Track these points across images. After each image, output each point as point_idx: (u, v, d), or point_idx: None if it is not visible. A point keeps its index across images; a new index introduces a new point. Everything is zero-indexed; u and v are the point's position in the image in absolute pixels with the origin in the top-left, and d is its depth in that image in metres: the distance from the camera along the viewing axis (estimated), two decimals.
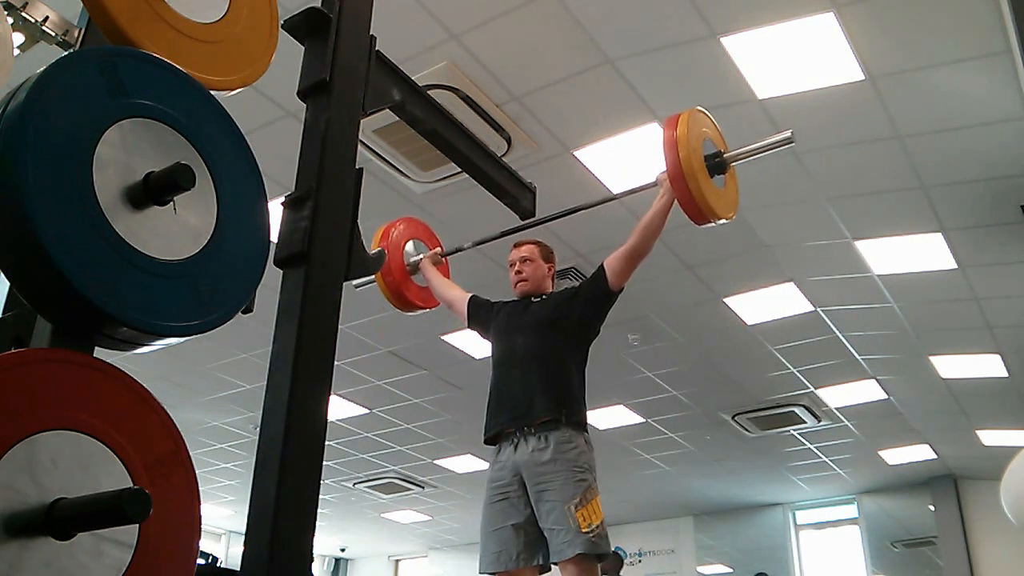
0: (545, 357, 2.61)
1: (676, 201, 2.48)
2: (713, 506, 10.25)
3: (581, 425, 2.55)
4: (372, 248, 3.00)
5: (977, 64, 3.46)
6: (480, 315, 2.92)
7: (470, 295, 2.99)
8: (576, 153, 4.21)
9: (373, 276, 3.03)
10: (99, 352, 1.10)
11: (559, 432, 2.47)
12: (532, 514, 2.46)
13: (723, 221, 2.50)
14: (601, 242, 4.89)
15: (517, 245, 2.94)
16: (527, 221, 2.59)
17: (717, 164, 2.50)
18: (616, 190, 4.44)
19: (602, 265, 2.69)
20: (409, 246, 3.14)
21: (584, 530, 2.31)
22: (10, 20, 1.94)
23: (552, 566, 2.47)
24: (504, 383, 2.67)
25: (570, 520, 2.33)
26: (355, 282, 3.18)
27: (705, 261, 5.10)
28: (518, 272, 2.86)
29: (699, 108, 2.60)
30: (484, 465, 8.30)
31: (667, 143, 2.43)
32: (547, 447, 2.45)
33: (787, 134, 2.47)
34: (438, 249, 3.15)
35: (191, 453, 1.11)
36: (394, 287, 3.04)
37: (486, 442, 2.68)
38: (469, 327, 2.99)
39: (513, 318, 2.79)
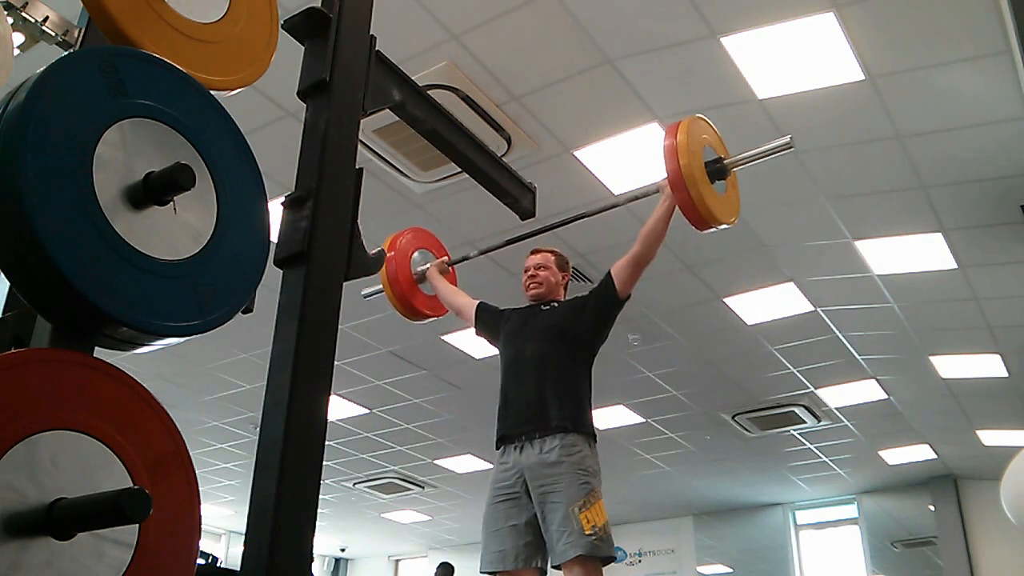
0: (555, 365, 2.61)
1: (677, 207, 2.50)
2: (713, 506, 10.25)
3: (588, 432, 2.55)
4: None
5: (977, 64, 3.46)
6: (489, 321, 2.92)
7: (478, 302, 2.99)
8: (576, 153, 4.21)
9: (381, 285, 3.09)
10: (99, 352, 1.10)
11: (566, 437, 2.48)
12: (534, 517, 2.47)
13: (724, 226, 2.54)
14: (601, 242, 4.90)
15: (534, 252, 2.95)
16: (534, 228, 2.61)
17: (717, 170, 2.53)
18: (616, 190, 4.46)
19: (609, 273, 2.71)
20: (416, 255, 3.17)
21: (587, 532, 2.31)
22: (10, 20, 1.94)
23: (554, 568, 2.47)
24: (513, 389, 2.67)
25: (573, 522, 2.33)
26: (364, 291, 3.21)
27: (705, 261, 5.10)
28: (532, 276, 2.87)
29: (699, 115, 2.63)
30: (484, 465, 8.31)
31: (667, 150, 2.47)
32: (553, 451, 2.46)
33: (786, 139, 2.49)
34: (445, 258, 3.17)
35: (191, 453, 1.11)
36: (402, 296, 3.07)
37: (496, 444, 2.68)
38: (477, 334, 3.00)
39: (523, 325, 2.79)
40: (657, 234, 2.62)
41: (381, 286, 3.12)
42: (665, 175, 2.49)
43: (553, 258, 2.92)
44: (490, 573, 2.50)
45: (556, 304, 2.83)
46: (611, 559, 2.38)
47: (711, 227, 2.52)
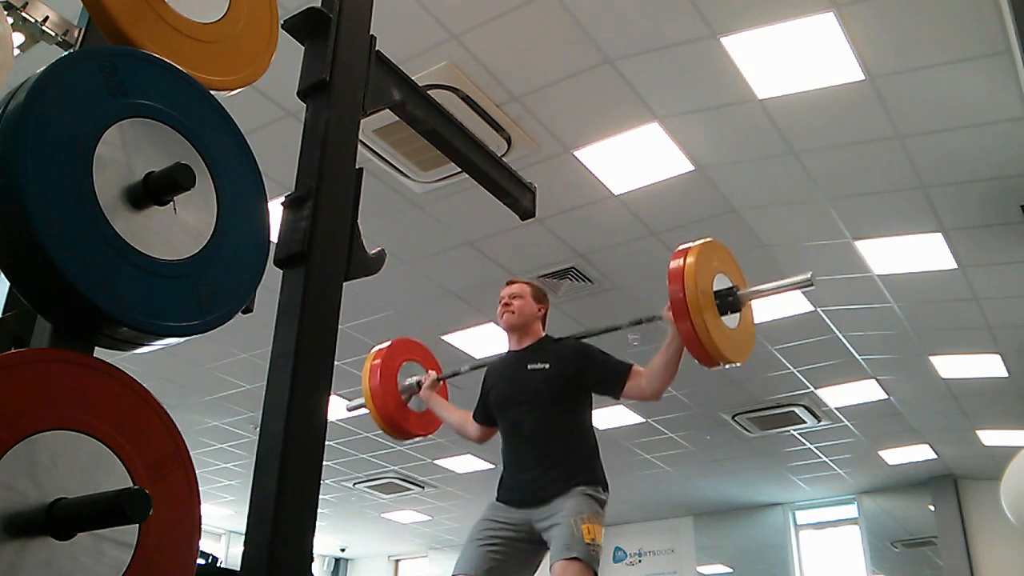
0: (557, 433, 2.54)
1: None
2: (713, 506, 10.24)
3: (599, 482, 2.52)
4: (364, 378, 2.91)
5: (977, 64, 3.45)
6: (487, 414, 2.79)
7: (472, 412, 2.86)
8: (576, 153, 4.21)
9: (364, 400, 2.92)
10: (99, 352, 1.10)
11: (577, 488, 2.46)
12: (520, 553, 2.48)
13: (732, 365, 2.30)
14: (601, 242, 4.90)
15: (510, 282, 2.83)
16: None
17: (729, 301, 2.29)
18: (616, 190, 4.46)
19: (628, 372, 2.59)
20: (401, 375, 2.98)
21: (587, 541, 2.31)
22: (10, 20, 1.94)
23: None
24: (515, 460, 2.61)
25: (574, 529, 2.33)
26: (348, 405, 3.04)
27: None
28: (506, 306, 2.74)
29: (713, 240, 2.42)
30: (484, 465, 8.31)
31: (672, 273, 2.23)
32: (562, 496, 2.45)
33: (807, 276, 2.33)
34: (432, 373, 2.98)
35: (191, 453, 1.11)
36: (388, 417, 2.88)
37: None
38: (482, 440, 2.87)
39: (509, 387, 2.67)
40: (668, 375, 2.50)
41: (363, 400, 2.93)
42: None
43: (530, 289, 2.79)
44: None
45: (545, 364, 2.65)
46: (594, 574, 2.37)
47: (716, 364, 2.28)
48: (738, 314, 2.34)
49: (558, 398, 2.58)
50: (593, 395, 2.68)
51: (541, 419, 2.56)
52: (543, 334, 2.79)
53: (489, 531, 2.51)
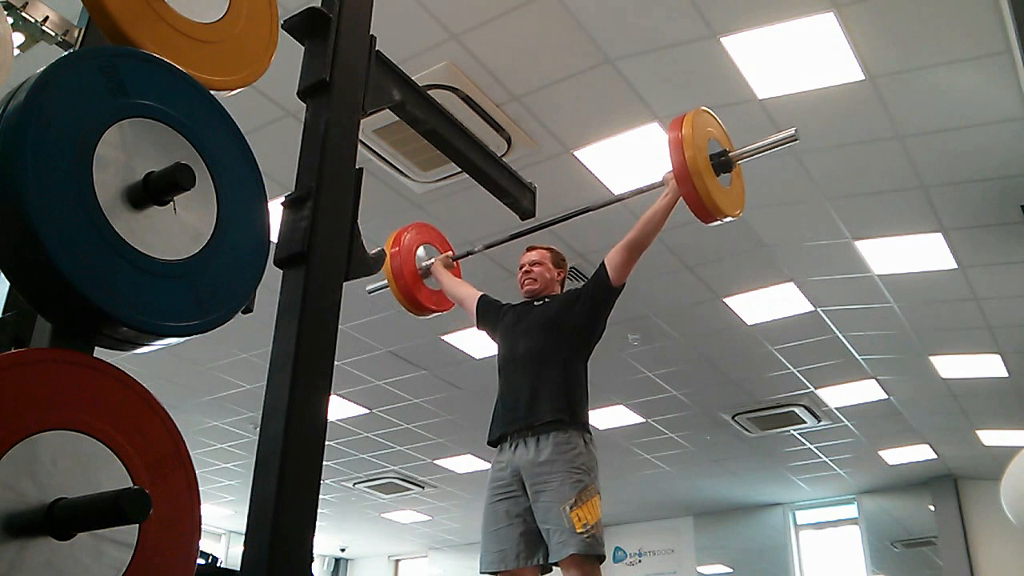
0: (547, 360, 2.61)
1: (683, 199, 2.50)
2: (713, 506, 10.25)
3: (582, 426, 2.54)
4: (387, 257, 3.03)
5: (977, 64, 3.45)
6: (489, 315, 2.93)
7: (480, 294, 3.00)
8: (576, 153, 4.21)
9: (386, 280, 3.10)
10: (99, 352, 1.10)
11: (559, 434, 2.47)
12: (532, 513, 2.46)
13: (730, 219, 2.53)
14: (601, 242, 4.88)
15: (529, 248, 2.95)
16: (536, 223, 2.60)
17: (722, 163, 2.53)
18: (616, 190, 4.46)
19: (603, 263, 2.71)
20: (420, 251, 3.18)
21: (579, 531, 2.31)
22: (10, 20, 1.94)
23: (553, 566, 2.47)
24: (507, 386, 2.68)
25: (564, 520, 2.33)
26: (368, 287, 3.20)
27: (705, 261, 5.10)
28: (527, 273, 2.87)
29: (704, 108, 2.61)
30: (484, 465, 8.30)
31: (672, 143, 2.46)
32: (546, 447, 2.46)
33: (791, 132, 2.49)
34: (449, 252, 3.18)
35: (191, 453, 1.11)
36: (406, 291, 3.08)
37: (489, 443, 2.68)
38: (478, 327, 3.00)
39: (518, 320, 2.79)
40: (656, 223, 2.63)
41: (385, 281, 3.13)
42: (670, 168, 2.49)
43: (549, 255, 2.92)
44: (491, 573, 2.50)
45: (549, 299, 2.83)
46: (601, 558, 2.37)
47: (716, 220, 2.51)
48: (730, 174, 2.59)
49: (559, 328, 2.67)
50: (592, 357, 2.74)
51: (538, 345, 2.65)
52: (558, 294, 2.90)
53: (501, 524, 2.50)
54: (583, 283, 2.80)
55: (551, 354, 2.62)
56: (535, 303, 2.82)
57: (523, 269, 2.89)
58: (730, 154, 2.56)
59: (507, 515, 2.49)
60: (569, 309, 2.71)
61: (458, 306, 3.09)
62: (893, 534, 9.51)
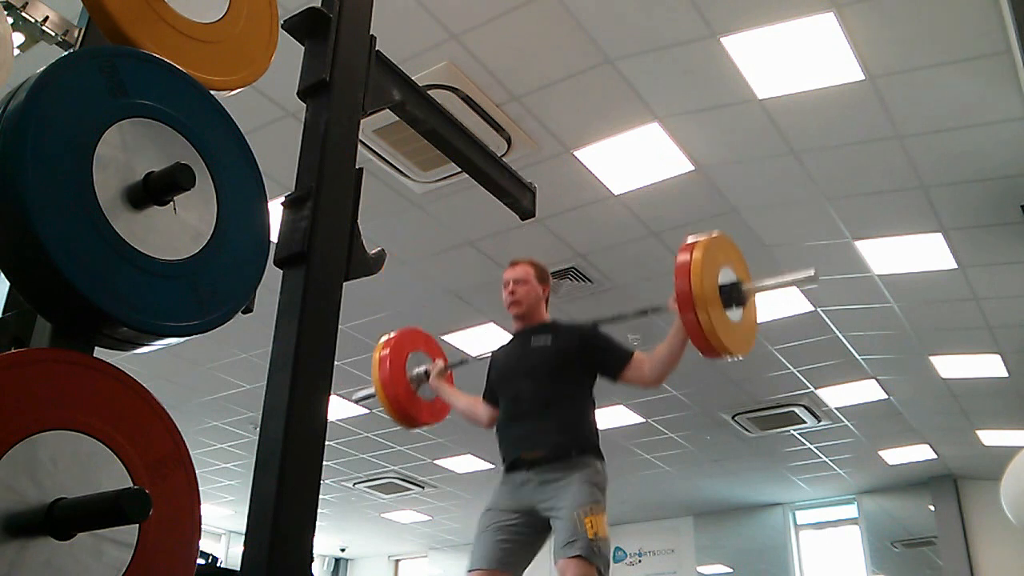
0: (554, 403, 2.56)
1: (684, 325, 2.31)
2: (713, 506, 10.24)
3: (596, 451, 2.53)
4: (374, 369, 2.94)
5: (977, 64, 3.45)
6: (493, 390, 2.81)
7: (481, 397, 2.86)
8: (576, 153, 4.21)
9: (374, 392, 2.95)
10: (99, 352, 1.10)
11: (576, 459, 2.46)
12: (527, 536, 2.48)
13: (735, 358, 2.34)
14: (601, 242, 4.90)
15: (512, 264, 2.82)
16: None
17: (734, 295, 2.32)
18: (616, 190, 4.46)
19: (630, 357, 2.58)
20: (410, 359, 3.01)
21: (590, 537, 2.30)
22: (10, 20, 1.94)
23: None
24: (513, 427, 2.62)
25: (578, 524, 2.32)
26: (355, 396, 3.08)
27: None
28: (511, 293, 2.74)
29: (721, 233, 2.43)
30: (484, 465, 8.30)
31: (679, 267, 2.26)
32: (558, 470, 2.45)
33: (811, 272, 2.35)
34: (440, 363, 2.99)
35: (191, 453, 1.11)
36: (399, 406, 2.92)
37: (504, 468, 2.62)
38: (489, 426, 2.85)
39: (514, 360, 2.71)
40: (670, 365, 2.51)
41: (372, 390, 2.97)
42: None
43: (533, 271, 2.77)
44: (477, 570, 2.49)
45: (545, 329, 2.71)
46: (600, 572, 2.35)
47: (719, 356, 2.32)
48: (742, 308, 2.37)
49: (559, 373, 2.59)
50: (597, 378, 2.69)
51: (540, 389, 2.58)
52: (547, 317, 2.81)
53: (496, 522, 2.51)
54: (592, 335, 2.64)
55: (558, 397, 2.57)
56: (532, 338, 2.70)
57: (507, 289, 2.75)
58: (744, 287, 2.34)
59: (507, 528, 2.49)
60: (571, 360, 2.61)
61: (465, 417, 2.92)
62: (893, 534, 9.51)
